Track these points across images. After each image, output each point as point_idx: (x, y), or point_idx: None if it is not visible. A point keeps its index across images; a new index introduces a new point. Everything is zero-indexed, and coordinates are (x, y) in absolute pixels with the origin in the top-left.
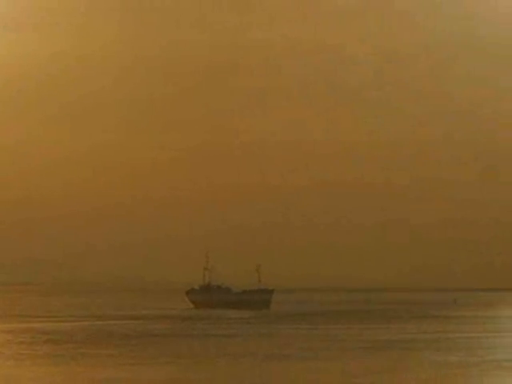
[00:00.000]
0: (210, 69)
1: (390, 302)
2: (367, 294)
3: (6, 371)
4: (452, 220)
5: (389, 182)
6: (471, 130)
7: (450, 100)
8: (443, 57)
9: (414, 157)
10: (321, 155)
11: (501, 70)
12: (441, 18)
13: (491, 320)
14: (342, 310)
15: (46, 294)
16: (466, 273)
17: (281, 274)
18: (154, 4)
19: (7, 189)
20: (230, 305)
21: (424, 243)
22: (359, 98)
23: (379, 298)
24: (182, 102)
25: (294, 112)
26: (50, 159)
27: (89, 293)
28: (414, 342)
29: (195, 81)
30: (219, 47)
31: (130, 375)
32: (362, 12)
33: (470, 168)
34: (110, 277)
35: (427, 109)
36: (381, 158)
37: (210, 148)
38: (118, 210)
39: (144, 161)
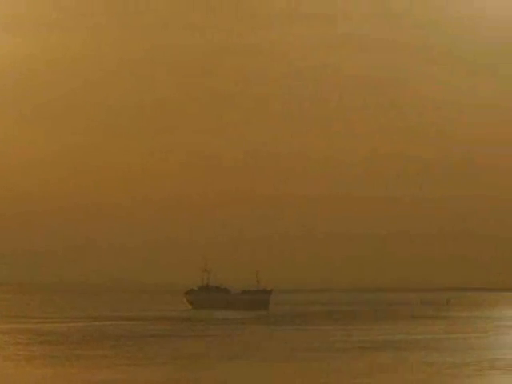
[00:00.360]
0: (199, 72)
1: (383, 302)
2: (360, 295)
3: (2, 372)
4: (445, 224)
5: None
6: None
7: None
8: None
9: (414, 172)
10: (316, 167)
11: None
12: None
13: (484, 320)
14: (337, 311)
15: (43, 294)
16: (459, 273)
17: (279, 275)
18: (139, 7)
19: None
20: (228, 305)
21: (417, 245)
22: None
23: (372, 299)
24: (175, 106)
25: (287, 123)
26: (24, 159)
27: (85, 294)
28: (407, 343)
29: (187, 84)
30: (207, 52)
31: (126, 376)
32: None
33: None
34: (108, 278)
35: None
36: (381, 171)
37: (204, 151)
38: (115, 212)
39: (137, 165)
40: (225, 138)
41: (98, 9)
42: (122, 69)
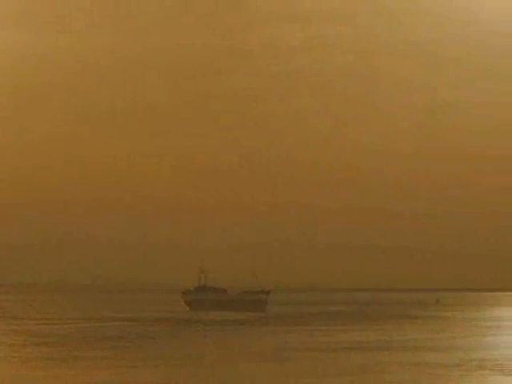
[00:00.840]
0: (192, 75)
1: (371, 302)
2: (348, 294)
3: None
4: (432, 223)
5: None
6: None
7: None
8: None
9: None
10: (313, 173)
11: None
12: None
13: (473, 320)
14: (335, 312)
15: (39, 295)
16: (449, 273)
17: (277, 275)
18: (131, 10)
19: None
20: (225, 306)
21: (407, 245)
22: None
23: (362, 299)
24: (167, 109)
25: (283, 127)
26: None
27: (83, 294)
28: (396, 343)
29: (179, 87)
30: (200, 54)
31: (124, 378)
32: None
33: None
34: (105, 278)
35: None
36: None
37: (198, 155)
38: (112, 211)
39: (131, 166)
40: (219, 142)
41: (90, 10)
42: (113, 71)
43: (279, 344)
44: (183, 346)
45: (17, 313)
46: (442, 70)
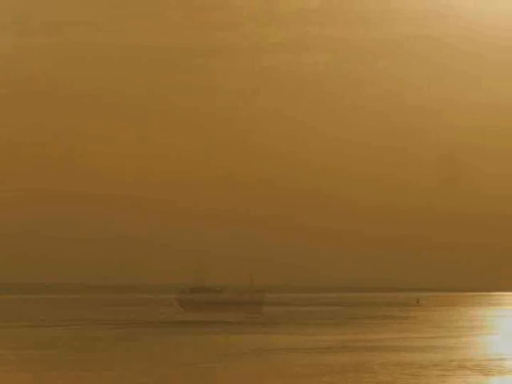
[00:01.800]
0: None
1: (351, 303)
2: (329, 296)
3: None
4: (415, 221)
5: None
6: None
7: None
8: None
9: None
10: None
11: None
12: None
13: (453, 321)
14: (307, 313)
15: (34, 296)
16: (429, 273)
17: (273, 275)
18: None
19: None
20: (221, 307)
21: (389, 244)
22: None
23: (341, 300)
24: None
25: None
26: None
27: (78, 296)
28: (376, 343)
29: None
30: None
31: (120, 380)
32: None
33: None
34: (100, 280)
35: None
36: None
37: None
38: (108, 209)
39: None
40: (207, 144)
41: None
42: (75, 66)
43: (275, 345)
44: (178, 348)
45: (9, 315)
46: (422, 70)
